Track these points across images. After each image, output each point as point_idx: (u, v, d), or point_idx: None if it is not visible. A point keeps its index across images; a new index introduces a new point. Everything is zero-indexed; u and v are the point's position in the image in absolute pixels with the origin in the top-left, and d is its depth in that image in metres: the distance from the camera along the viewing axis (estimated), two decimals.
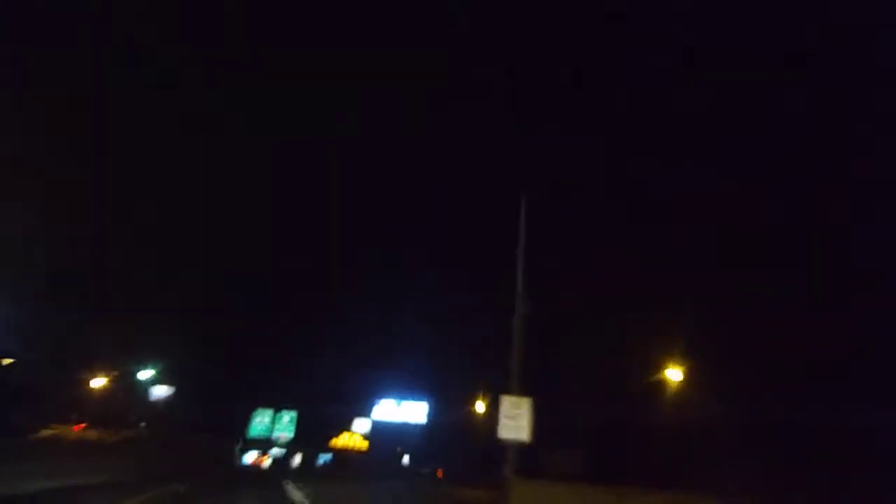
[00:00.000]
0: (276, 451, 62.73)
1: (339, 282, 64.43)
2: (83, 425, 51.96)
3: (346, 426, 61.83)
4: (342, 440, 61.20)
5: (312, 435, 59.74)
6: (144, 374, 39.52)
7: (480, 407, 34.63)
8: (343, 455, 58.79)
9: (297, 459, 60.13)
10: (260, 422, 62.58)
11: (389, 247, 64.71)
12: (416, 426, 61.36)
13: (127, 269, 51.23)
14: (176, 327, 58.10)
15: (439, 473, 45.24)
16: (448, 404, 58.00)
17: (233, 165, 48.98)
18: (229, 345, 61.18)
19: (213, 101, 41.14)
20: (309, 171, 57.21)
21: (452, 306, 57.14)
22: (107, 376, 43.60)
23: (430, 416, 61.78)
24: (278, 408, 62.43)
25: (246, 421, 61.81)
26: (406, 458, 56.01)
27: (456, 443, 44.62)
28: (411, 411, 62.06)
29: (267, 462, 61.96)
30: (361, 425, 62.58)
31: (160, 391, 60.07)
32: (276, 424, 62.43)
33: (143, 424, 51.66)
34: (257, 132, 45.80)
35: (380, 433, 61.51)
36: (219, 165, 46.40)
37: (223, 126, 45.97)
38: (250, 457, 61.02)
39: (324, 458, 60.35)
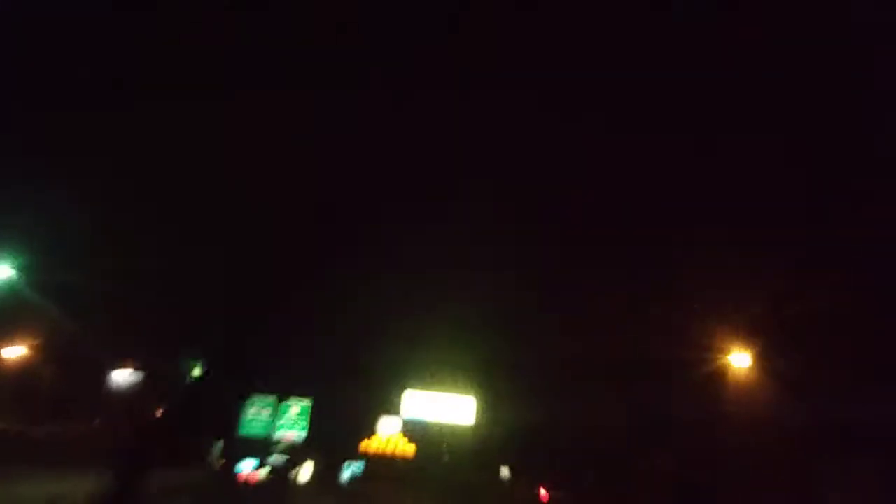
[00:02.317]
0: (275, 459, 46.91)
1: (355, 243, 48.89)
2: None
3: (371, 426, 46.35)
4: (376, 443, 45.40)
5: (332, 435, 43.98)
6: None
7: (743, 360, 19.73)
8: (382, 465, 42.84)
9: (308, 471, 44.02)
10: (256, 414, 45.95)
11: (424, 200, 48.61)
12: (462, 427, 46.46)
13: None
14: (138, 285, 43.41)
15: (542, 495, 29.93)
16: (505, 399, 43.41)
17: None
18: (213, 314, 45.97)
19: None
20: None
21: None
22: (28, 343, 28.50)
23: (477, 414, 46.98)
24: (283, 395, 46.29)
25: (236, 413, 45.40)
26: (506, 471, 40.05)
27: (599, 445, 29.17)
28: (454, 408, 47.08)
29: (262, 473, 46.22)
30: (389, 425, 47.35)
31: (122, 376, 44.68)
32: (279, 419, 46.20)
33: (97, 421, 36.78)
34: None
35: (415, 436, 46.37)
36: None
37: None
38: (247, 466, 44.98)
39: (353, 467, 44.36)
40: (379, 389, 47.00)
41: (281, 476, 44.51)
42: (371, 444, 44.50)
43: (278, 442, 45.74)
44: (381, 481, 33.76)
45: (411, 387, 47.31)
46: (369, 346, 44.96)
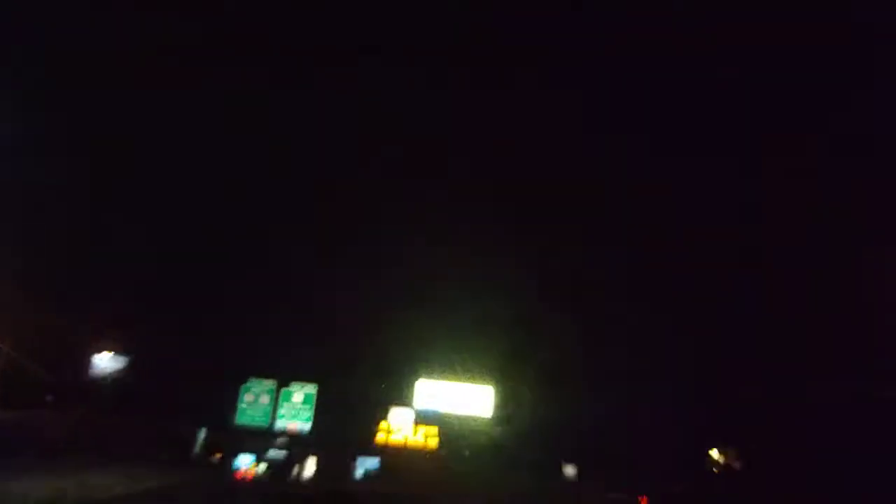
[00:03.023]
0: (273, 454, 42.13)
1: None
2: None
3: (380, 418, 41.54)
4: (394, 436, 40.34)
5: (337, 428, 39.12)
6: None
7: None
8: (402, 462, 37.71)
9: (311, 467, 39.23)
10: (253, 402, 40.60)
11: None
12: (480, 421, 41.86)
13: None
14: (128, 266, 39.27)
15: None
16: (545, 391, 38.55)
17: None
18: (207, 296, 41.49)
19: None
20: None
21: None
22: None
23: (497, 407, 42.34)
24: (284, 379, 40.68)
25: (231, 401, 39.60)
26: (571, 470, 34.84)
27: None
28: (471, 399, 42.51)
29: (259, 469, 41.46)
30: (399, 417, 42.79)
31: (104, 361, 40.24)
32: (281, 407, 40.61)
33: (49, 398, 32.58)
34: None
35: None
36: None
37: None
38: (245, 462, 40.03)
39: (367, 464, 39.27)
40: (387, 379, 42.51)
41: (281, 473, 39.64)
42: (389, 437, 39.43)
43: (281, 433, 40.67)
44: (404, 483, 28.55)
45: (424, 376, 42.88)
46: (377, 333, 40.64)
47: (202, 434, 39.09)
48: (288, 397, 41.01)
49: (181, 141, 37.11)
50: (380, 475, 35.65)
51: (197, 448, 38.73)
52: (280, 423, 40.71)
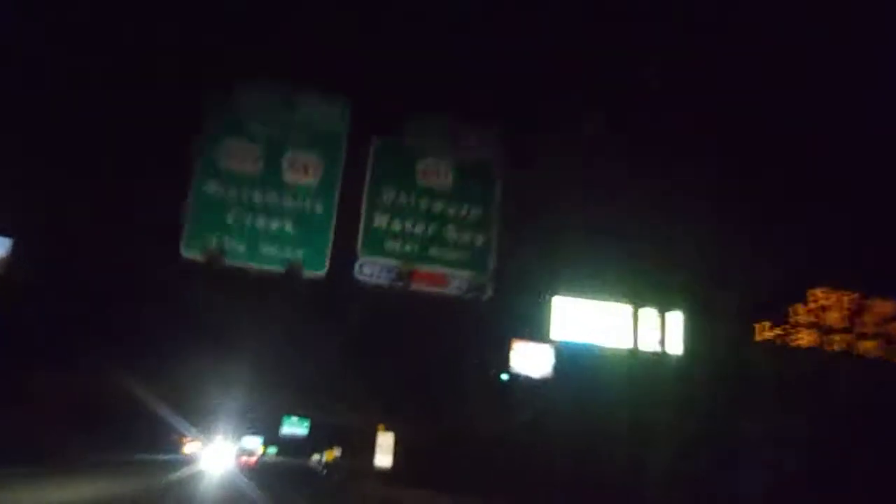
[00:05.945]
0: (288, 430, 23.59)
1: None
2: None
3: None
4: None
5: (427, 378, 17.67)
6: None
7: None
8: None
9: (387, 448, 19.14)
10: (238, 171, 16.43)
11: None
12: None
13: None
14: None
15: None
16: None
17: None
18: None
19: None
20: None
21: None
22: None
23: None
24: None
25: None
26: None
27: None
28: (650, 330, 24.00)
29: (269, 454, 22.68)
30: (528, 357, 24.26)
31: None
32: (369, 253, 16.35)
33: None
34: None
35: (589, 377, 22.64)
36: None
37: None
38: (250, 444, 20.90)
39: None
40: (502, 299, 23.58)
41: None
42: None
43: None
44: None
45: (562, 293, 23.94)
46: None
47: None
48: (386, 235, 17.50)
49: None
50: None
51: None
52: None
